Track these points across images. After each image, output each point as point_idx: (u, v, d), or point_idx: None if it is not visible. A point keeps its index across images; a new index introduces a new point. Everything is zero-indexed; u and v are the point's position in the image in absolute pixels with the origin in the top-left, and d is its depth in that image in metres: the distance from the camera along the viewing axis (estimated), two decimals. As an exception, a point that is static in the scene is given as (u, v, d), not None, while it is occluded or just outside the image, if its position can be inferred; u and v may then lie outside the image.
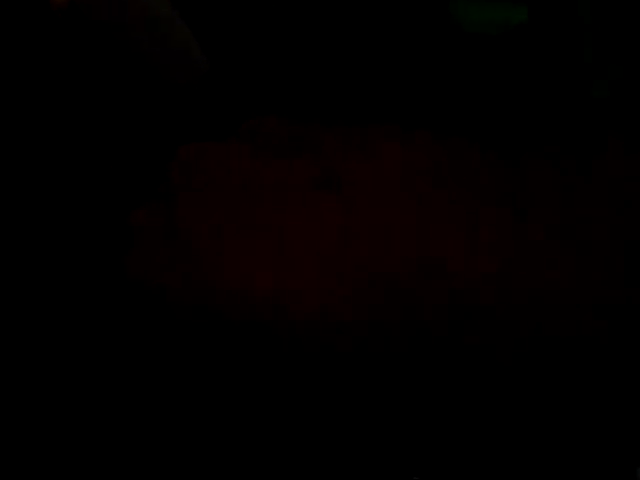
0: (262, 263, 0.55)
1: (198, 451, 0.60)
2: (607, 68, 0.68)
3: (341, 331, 0.55)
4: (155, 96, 0.69)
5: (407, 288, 0.54)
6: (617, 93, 0.68)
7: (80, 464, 0.60)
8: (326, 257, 0.54)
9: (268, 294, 0.55)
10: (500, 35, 0.67)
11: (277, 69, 0.71)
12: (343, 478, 0.59)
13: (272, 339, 0.55)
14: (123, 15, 0.68)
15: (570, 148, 0.58)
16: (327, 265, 0.55)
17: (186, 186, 0.58)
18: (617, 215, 0.55)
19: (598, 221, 0.54)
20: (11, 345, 0.62)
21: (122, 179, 0.65)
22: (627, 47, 0.67)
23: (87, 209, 0.65)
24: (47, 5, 0.67)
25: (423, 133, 0.59)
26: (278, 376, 0.57)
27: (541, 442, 0.57)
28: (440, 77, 0.69)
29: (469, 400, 0.56)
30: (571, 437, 0.57)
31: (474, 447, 0.58)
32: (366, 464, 0.59)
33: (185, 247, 0.55)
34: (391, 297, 0.54)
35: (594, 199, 0.55)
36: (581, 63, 0.68)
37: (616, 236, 0.54)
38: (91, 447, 0.60)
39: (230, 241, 0.55)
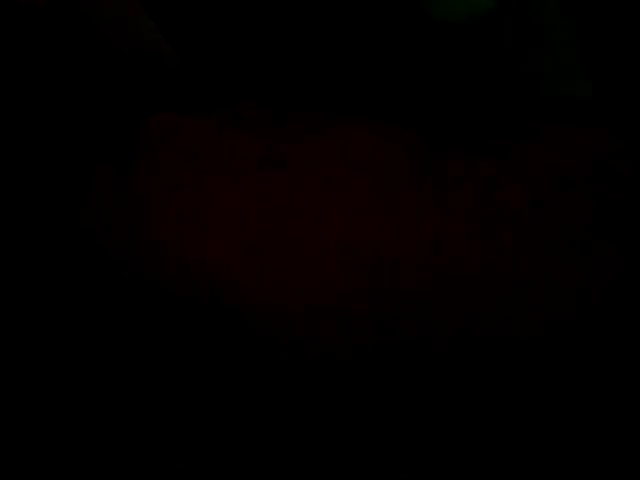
0: (208, 234, 0.55)
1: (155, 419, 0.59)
2: (593, 68, 0.68)
3: (278, 311, 0.55)
4: (128, 82, 0.70)
5: (338, 272, 0.55)
6: (601, 92, 0.68)
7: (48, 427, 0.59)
8: (269, 232, 0.56)
9: (214, 265, 0.55)
10: (467, 23, 0.68)
11: (245, 61, 0.72)
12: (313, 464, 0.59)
13: (214, 310, 0.55)
14: (94, 12, 0.70)
15: (503, 136, 0.59)
16: (274, 241, 0.56)
17: (148, 153, 0.59)
18: (544, 203, 0.55)
19: (523, 206, 0.54)
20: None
21: (87, 137, 0.66)
22: (612, 47, 0.68)
23: (50, 163, 0.66)
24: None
25: (371, 122, 0.60)
26: (215, 343, 0.57)
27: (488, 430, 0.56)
28: (406, 67, 0.69)
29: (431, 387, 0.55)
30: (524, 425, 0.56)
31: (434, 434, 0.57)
32: (338, 451, 0.58)
33: (136, 212, 0.56)
34: (336, 277, 0.55)
35: (521, 186, 0.55)
36: (563, 62, 0.69)
37: (545, 220, 0.54)
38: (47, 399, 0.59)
39: (179, 210, 0.56)
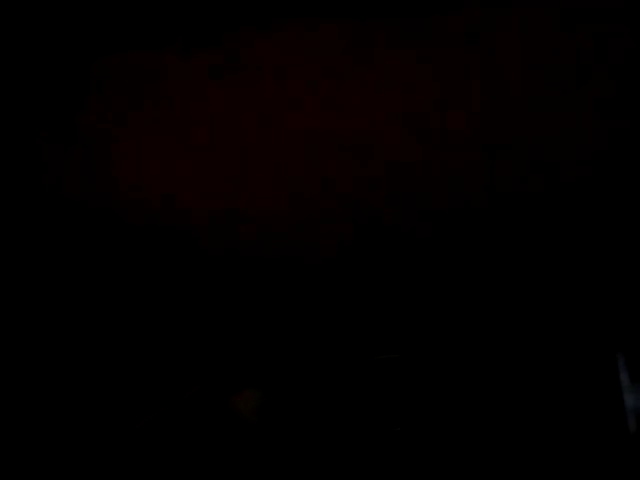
0: (166, 158, 0.53)
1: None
2: None
3: (244, 221, 0.54)
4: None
5: (316, 161, 0.54)
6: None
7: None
8: (234, 144, 0.53)
9: (171, 187, 0.53)
10: None
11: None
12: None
13: (173, 231, 0.54)
14: None
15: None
16: (235, 154, 0.53)
17: (93, 94, 0.55)
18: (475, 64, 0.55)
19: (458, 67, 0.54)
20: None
21: (30, 92, 0.62)
22: None
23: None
24: None
25: (308, 17, 0.58)
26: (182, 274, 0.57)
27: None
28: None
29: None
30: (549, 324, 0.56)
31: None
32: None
33: (88, 153, 0.53)
34: (302, 174, 0.53)
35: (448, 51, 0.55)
36: None
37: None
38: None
39: (130, 141, 0.53)
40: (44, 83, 0.59)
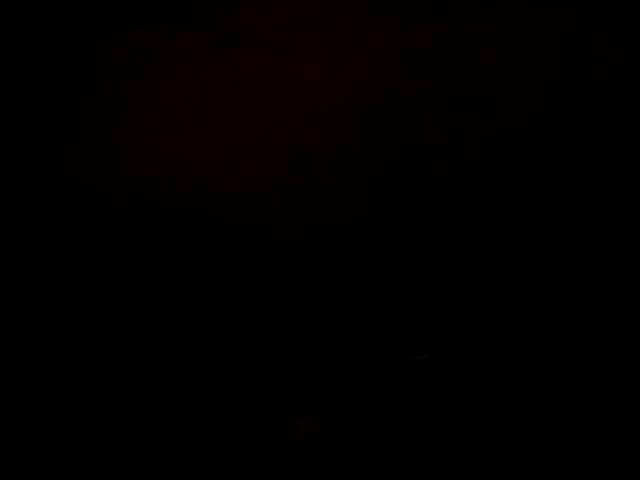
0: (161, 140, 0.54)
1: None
2: None
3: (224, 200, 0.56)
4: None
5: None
6: None
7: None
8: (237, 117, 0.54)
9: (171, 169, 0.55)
10: None
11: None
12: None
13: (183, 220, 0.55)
14: None
15: None
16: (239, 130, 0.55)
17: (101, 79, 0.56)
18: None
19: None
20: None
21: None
22: None
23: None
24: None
25: None
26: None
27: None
28: None
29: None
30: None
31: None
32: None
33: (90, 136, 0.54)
34: (298, 151, 0.56)
35: None
36: None
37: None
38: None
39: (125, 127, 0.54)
40: (41, 74, 0.60)
